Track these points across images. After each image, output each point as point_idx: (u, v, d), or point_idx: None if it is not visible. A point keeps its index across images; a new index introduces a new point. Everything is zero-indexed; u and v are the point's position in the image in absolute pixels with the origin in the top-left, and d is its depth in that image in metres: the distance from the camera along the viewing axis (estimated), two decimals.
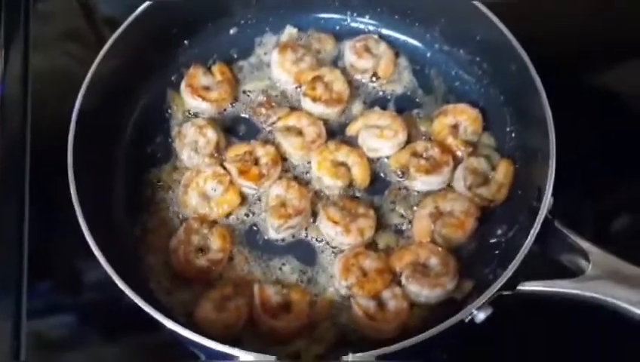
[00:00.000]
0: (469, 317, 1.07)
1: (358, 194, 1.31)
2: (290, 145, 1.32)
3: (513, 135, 1.34)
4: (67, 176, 1.16)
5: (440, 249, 1.22)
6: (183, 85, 1.38)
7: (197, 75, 1.39)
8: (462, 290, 1.20)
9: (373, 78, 1.42)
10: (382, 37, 1.45)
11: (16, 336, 1.22)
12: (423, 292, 1.18)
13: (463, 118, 1.34)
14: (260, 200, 1.30)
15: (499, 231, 1.26)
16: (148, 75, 1.40)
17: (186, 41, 1.44)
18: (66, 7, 1.58)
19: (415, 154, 1.31)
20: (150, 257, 1.24)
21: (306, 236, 1.27)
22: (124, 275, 1.09)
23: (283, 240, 1.26)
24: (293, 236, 1.27)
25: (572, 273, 1.08)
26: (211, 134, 1.31)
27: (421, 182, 1.29)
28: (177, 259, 1.21)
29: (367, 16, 1.47)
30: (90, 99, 1.24)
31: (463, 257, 1.24)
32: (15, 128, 1.40)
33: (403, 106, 1.39)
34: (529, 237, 1.09)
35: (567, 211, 1.13)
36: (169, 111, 1.40)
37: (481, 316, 1.07)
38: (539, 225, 1.09)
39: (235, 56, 1.46)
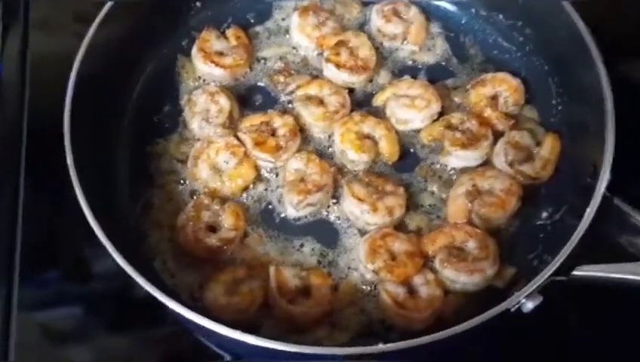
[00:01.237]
0: (516, 306, 0.94)
1: (385, 171, 1.18)
2: (311, 116, 1.19)
3: (559, 108, 1.20)
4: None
5: (478, 231, 1.09)
6: (194, 50, 1.26)
7: (210, 39, 1.26)
8: (503, 277, 1.07)
9: (403, 45, 1.29)
10: (412, 2, 1.32)
11: (5, 333, 1.10)
12: (460, 278, 1.05)
13: (503, 88, 1.21)
14: (277, 175, 1.17)
15: (544, 214, 1.13)
16: (155, 39, 1.28)
17: (198, 3, 1.32)
18: None
19: (450, 127, 1.18)
20: (154, 234, 1.12)
21: (328, 216, 1.14)
22: (126, 254, 0.97)
23: (302, 219, 1.14)
24: (314, 215, 1.14)
25: (634, 256, 0.95)
26: (224, 102, 1.19)
27: (457, 158, 1.16)
28: (185, 237, 1.09)
29: None
30: (88, 66, 1.11)
31: (503, 241, 1.11)
32: (13, 108, 1.28)
33: (436, 76, 1.27)
34: (585, 217, 0.96)
35: (627, 187, 1.00)
36: (179, 79, 1.27)
37: (529, 305, 0.94)
38: (596, 204, 0.95)
39: (252, 21, 1.33)
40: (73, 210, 1.00)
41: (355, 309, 1.06)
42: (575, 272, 0.93)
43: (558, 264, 0.93)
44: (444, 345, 0.92)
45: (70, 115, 1.07)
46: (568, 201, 1.08)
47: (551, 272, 0.93)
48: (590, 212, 0.96)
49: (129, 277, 0.95)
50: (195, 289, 1.07)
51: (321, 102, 1.21)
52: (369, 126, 1.18)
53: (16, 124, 1.26)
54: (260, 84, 1.27)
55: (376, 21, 1.29)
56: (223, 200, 1.13)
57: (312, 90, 1.22)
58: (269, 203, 1.16)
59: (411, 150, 1.20)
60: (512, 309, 0.94)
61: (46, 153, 1.16)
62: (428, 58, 1.29)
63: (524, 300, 0.93)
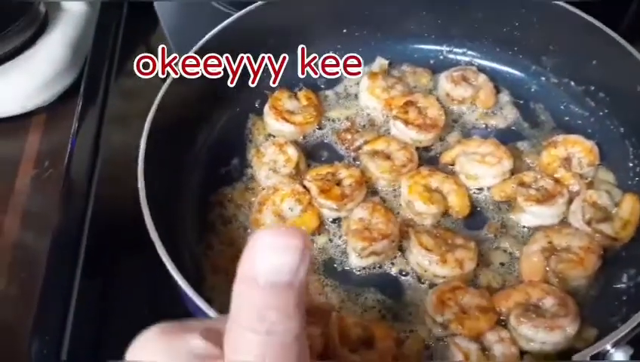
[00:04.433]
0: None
1: (453, 228, 1.14)
2: (378, 168, 1.18)
3: (637, 169, 1.16)
4: None
5: (555, 288, 1.02)
6: (266, 108, 1.29)
7: (282, 98, 1.30)
8: (584, 339, 0.98)
9: (473, 108, 1.29)
10: (481, 69, 1.33)
11: None
12: (538, 335, 0.96)
13: (577, 149, 1.18)
14: (339, 225, 1.14)
15: (625, 276, 1.05)
16: (226, 100, 1.31)
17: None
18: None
19: (523, 185, 1.14)
20: (211, 278, 1.09)
21: (392, 268, 1.09)
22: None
23: (365, 270, 1.09)
24: (378, 267, 1.09)
25: None
26: (292, 152, 1.19)
27: (531, 215, 1.11)
28: None
29: (465, 48, 1.37)
30: (156, 134, 1.09)
31: (582, 303, 1.02)
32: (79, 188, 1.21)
33: (506, 139, 1.24)
34: None
35: None
36: (249, 135, 1.29)
37: (618, 356, 0.84)
38: None
39: (322, 86, 1.36)
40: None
41: None
42: None
43: None
44: None
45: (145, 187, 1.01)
46: None
47: None
48: None
49: None
50: None
51: (387, 157, 1.20)
52: (437, 180, 1.16)
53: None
54: (326, 141, 1.28)
55: (444, 85, 1.30)
56: None
57: (379, 146, 1.22)
58: (331, 254, 1.12)
59: (478, 208, 1.16)
60: None
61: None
62: (497, 122, 1.28)
63: (611, 350, 0.84)
